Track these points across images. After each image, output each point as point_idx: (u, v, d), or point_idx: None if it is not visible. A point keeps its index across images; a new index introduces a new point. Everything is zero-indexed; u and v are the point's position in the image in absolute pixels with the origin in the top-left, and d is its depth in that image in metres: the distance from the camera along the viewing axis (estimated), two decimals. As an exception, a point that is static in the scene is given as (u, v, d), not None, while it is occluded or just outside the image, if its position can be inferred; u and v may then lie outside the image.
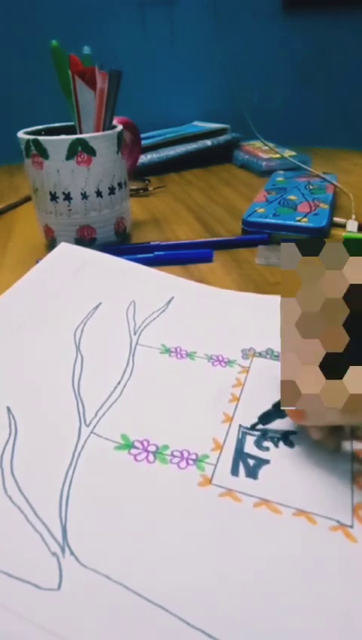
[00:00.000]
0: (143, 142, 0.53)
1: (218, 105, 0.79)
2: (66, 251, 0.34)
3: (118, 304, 0.29)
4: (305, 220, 0.39)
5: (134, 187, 0.56)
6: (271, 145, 0.63)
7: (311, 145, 0.75)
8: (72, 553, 0.15)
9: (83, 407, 0.21)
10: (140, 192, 0.56)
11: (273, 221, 0.40)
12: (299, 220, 0.39)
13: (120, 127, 0.37)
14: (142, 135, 0.47)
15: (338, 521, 0.16)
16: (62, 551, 0.15)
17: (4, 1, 0.67)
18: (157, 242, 0.38)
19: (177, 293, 0.30)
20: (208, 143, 0.67)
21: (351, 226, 0.41)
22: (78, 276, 0.31)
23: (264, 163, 0.61)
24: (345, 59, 0.81)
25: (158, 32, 0.74)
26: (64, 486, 0.17)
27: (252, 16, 0.76)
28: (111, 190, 0.37)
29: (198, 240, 0.40)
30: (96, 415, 0.21)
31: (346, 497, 0.17)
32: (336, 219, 0.43)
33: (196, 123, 0.77)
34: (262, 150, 0.66)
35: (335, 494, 0.17)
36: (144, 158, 0.63)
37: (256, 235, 0.40)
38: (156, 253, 0.36)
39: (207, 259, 0.37)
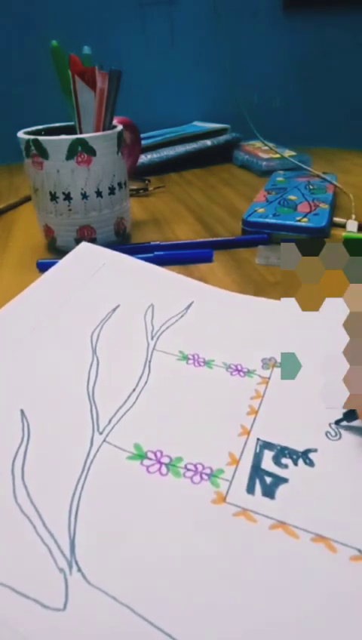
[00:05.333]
0: (143, 142, 0.53)
1: (218, 105, 0.79)
2: (86, 251, 0.33)
3: (137, 307, 0.28)
4: (305, 220, 0.39)
5: (134, 187, 0.56)
6: (271, 145, 0.63)
7: (311, 145, 0.75)
8: (79, 570, 0.14)
9: (97, 413, 0.21)
10: (140, 192, 0.56)
11: (273, 221, 0.40)
12: (299, 220, 0.39)
13: (120, 127, 0.37)
14: (142, 135, 0.47)
15: (359, 550, 0.15)
16: (70, 567, 0.15)
17: (4, 1, 0.67)
18: (157, 242, 0.38)
19: (197, 298, 0.29)
20: (208, 143, 0.67)
21: (351, 226, 0.41)
22: (97, 277, 0.31)
23: (264, 163, 0.62)
24: (345, 59, 0.81)
25: (158, 32, 0.74)
26: (74, 496, 0.17)
27: (252, 16, 0.76)
28: (111, 190, 0.37)
29: (198, 240, 0.40)
30: (109, 422, 0.20)
31: None
32: (336, 219, 0.43)
33: (196, 123, 0.77)
34: (262, 150, 0.66)
35: (357, 520, 0.16)
36: (144, 158, 0.63)
37: (256, 235, 0.40)
38: (156, 253, 0.36)
39: (207, 259, 0.37)
